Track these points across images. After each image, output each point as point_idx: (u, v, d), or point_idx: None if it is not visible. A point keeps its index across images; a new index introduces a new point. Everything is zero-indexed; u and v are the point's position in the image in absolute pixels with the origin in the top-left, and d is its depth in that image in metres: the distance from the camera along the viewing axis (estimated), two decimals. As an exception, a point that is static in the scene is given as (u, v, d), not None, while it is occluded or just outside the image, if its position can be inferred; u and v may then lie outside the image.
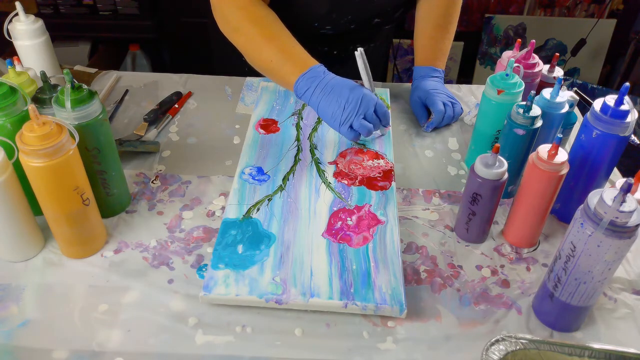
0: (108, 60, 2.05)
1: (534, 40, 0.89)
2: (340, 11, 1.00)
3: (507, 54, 0.92)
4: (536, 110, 0.77)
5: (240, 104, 1.07)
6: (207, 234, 0.79)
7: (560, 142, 0.72)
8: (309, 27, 0.98)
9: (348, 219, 0.78)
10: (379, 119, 0.85)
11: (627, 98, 0.69)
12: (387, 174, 0.87)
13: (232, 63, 1.20)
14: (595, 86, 2.01)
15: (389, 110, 0.88)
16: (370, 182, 0.85)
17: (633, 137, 0.98)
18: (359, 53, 0.83)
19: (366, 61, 0.84)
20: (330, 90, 0.83)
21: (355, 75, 0.94)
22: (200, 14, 1.26)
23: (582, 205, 0.60)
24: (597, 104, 0.72)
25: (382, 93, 1.06)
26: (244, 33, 0.90)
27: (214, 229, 0.80)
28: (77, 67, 1.17)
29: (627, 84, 0.69)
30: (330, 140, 0.94)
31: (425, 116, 1.03)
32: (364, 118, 0.83)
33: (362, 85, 0.89)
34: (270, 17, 0.90)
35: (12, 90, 0.70)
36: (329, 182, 0.85)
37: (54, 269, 0.73)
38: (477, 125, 0.89)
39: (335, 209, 0.80)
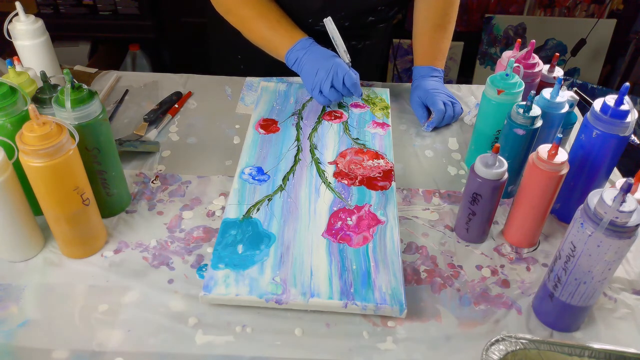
0: (108, 60, 2.05)
1: (534, 40, 0.89)
2: (333, 8, 1.00)
3: (507, 54, 0.92)
4: (536, 110, 0.77)
5: (240, 104, 1.07)
6: (207, 234, 0.79)
7: (560, 142, 0.72)
8: (302, 23, 0.99)
9: (348, 219, 0.78)
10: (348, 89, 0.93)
11: (627, 98, 0.69)
12: (387, 174, 0.86)
13: (228, 62, 1.20)
14: (595, 86, 2.01)
15: (361, 88, 0.96)
16: (370, 182, 0.85)
17: (633, 137, 0.98)
18: (328, 20, 0.89)
19: (336, 29, 0.91)
20: (311, 60, 0.92)
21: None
22: (200, 14, 1.26)
23: (582, 205, 0.60)
24: (597, 104, 0.72)
25: (382, 93, 1.06)
26: (235, 14, 1.00)
27: (214, 229, 0.80)
28: (77, 67, 1.17)
29: (627, 84, 0.69)
30: (330, 140, 0.94)
31: (425, 116, 1.03)
32: (333, 86, 0.92)
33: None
34: None
35: (12, 90, 0.70)
36: (329, 182, 0.84)
37: (54, 269, 0.73)
38: (477, 125, 0.89)
39: (335, 209, 0.80)
